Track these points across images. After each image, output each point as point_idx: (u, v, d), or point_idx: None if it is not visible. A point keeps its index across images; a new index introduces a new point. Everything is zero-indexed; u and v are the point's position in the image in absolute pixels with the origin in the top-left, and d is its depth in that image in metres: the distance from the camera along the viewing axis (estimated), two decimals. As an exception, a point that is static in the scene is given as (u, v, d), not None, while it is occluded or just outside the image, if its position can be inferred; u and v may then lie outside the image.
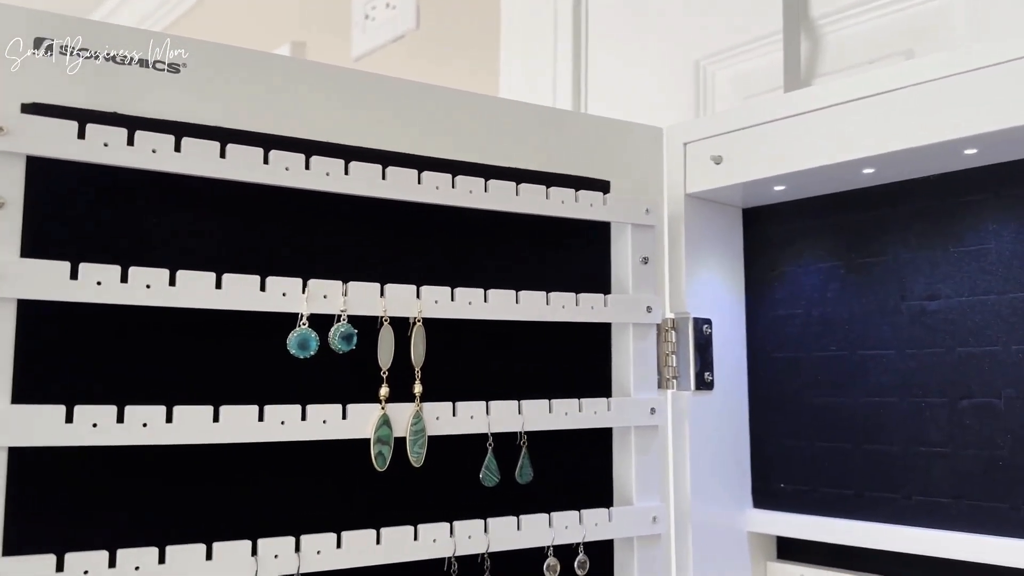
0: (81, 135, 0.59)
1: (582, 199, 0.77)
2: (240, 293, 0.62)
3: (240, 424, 0.61)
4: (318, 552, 0.63)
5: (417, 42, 1.81)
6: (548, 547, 0.72)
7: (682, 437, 0.84)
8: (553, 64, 1.48)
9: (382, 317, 0.67)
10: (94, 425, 0.57)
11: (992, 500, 0.73)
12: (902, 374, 0.80)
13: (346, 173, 0.67)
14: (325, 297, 0.65)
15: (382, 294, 0.67)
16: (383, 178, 0.69)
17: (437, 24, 1.78)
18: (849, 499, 0.82)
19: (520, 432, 0.72)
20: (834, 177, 0.80)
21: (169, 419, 0.59)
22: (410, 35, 1.83)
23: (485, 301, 0.71)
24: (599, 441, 0.78)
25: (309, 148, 0.67)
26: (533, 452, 0.73)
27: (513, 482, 0.72)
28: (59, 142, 0.58)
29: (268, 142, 0.65)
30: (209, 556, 0.59)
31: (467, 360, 0.72)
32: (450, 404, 0.69)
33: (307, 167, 0.66)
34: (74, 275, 0.57)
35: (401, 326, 0.68)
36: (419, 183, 0.70)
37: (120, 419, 0.57)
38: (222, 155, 0.63)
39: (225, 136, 0.64)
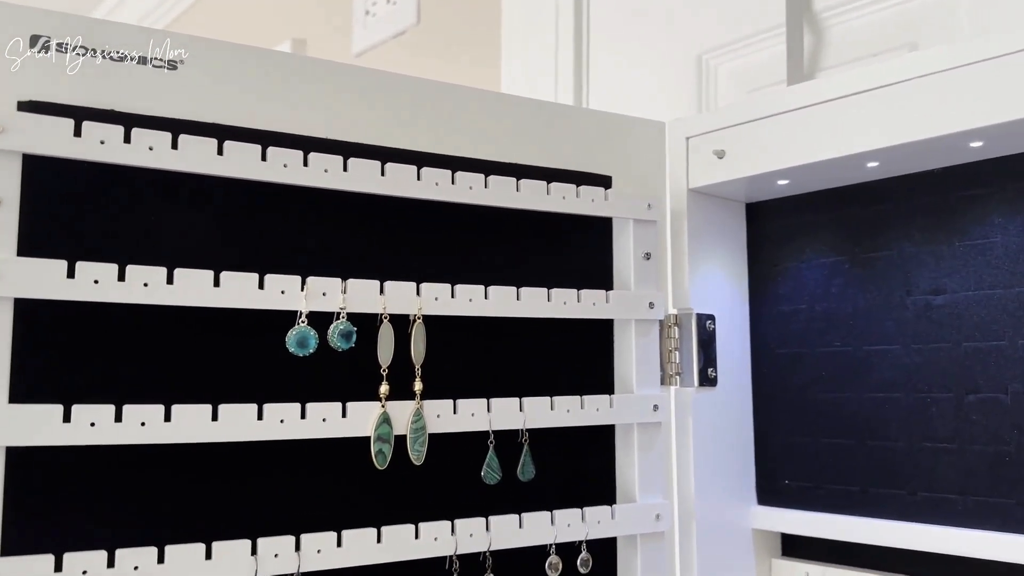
0: (77, 133, 0.58)
1: (583, 195, 0.77)
2: (238, 291, 0.61)
3: (239, 423, 0.61)
4: (318, 551, 0.62)
5: (418, 38, 1.81)
6: (550, 545, 0.72)
7: (686, 434, 0.83)
8: (554, 59, 1.47)
9: (382, 314, 0.67)
10: (92, 424, 0.56)
11: (998, 496, 0.73)
12: (907, 369, 0.79)
13: (344, 170, 0.66)
14: (324, 295, 0.64)
15: (381, 291, 0.67)
16: (382, 175, 0.68)
17: (438, 20, 1.77)
18: (854, 495, 0.82)
19: (522, 429, 0.72)
20: (838, 171, 0.80)
21: (168, 418, 0.58)
22: (411, 31, 1.82)
23: (486, 298, 0.71)
24: (602, 438, 0.77)
25: (307, 145, 0.66)
26: (535, 450, 0.72)
27: (515, 480, 0.71)
28: (55, 140, 0.58)
29: (266, 139, 0.65)
30: (208, 555, 0.59)
31: (468, 357, 0.71)
32: (451, 402, 0.68)
33: (305, 164, 0.65)
34: (71, 274, 0.57)
35: (401, 323, 0.67)
36: (418, 179, 0.69)
37: (118, 418, 0.57)
38: (219, 152, 0.62)
39: (222, 133, 0.63)
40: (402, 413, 0.66)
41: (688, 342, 0.83)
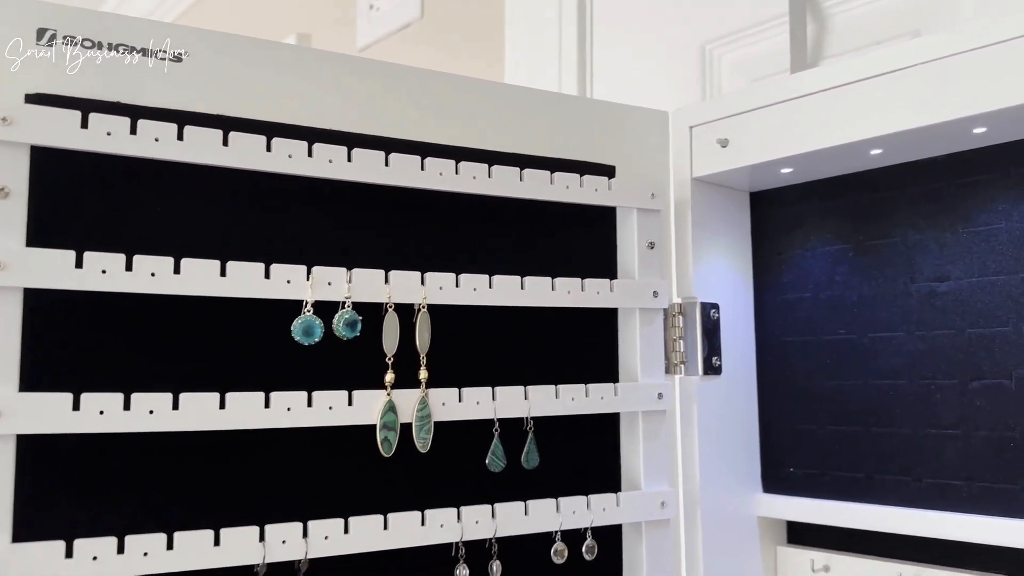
0: (84, 125, 0.59)
1: (587, 184, 0.77)
2: (244, 280, 0.62)
3: (246, 410, 0.61)
4: (325, 537, 0.63)
5: (422, 31, 1.81)
6: (556, 532, 0.72)
7: (690, 422, 0.83)
8: (558, 50, 1.47)
9: (386, 304, 0.67)
10: (101, 412, 0.57)
11: (1003, 482, 0.73)
12: (912, 356, 0.79)
13: (349, 160, 0.67)
14: (329, 284, 0.65)
15: (386, 281, 0.67)
16: (386, 165, 0.68)
17: (441, 13, 1.78)
18: (859, 483, 0.82)
19: (527, 418, 0.72)
20: (841, 158, 0.80)
21: (176, 406, 0.59)
22: (415, 24, 1.82)
23: (490, 287, 0.71)
24: (606, 426, 0.78)
25: (312, 135, 0.67)
26: (540, 438, 0.73)
27: (519, 468, 0.72)
28: (62, 132, 0.58)
29: (270, 130, 0.65)
30: (217, 542, 0.59)
31: (473, 346, 0.72)
32: (456, 390, 0.69)
33: (310, 154, 0.66)
34: (79, 264, 0.57)
35: (406, 313, 0.68)
36: (422, 169, 0.70)
37: (127, 406, 0.58)
38: (225, 143, 0.63)
39: (227, 124, 0.64)
40: (407, 401, 0.67)
41: (692, 331, 0.83)
